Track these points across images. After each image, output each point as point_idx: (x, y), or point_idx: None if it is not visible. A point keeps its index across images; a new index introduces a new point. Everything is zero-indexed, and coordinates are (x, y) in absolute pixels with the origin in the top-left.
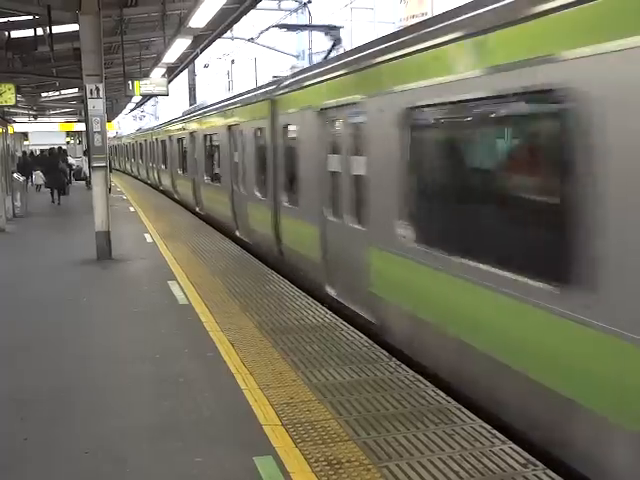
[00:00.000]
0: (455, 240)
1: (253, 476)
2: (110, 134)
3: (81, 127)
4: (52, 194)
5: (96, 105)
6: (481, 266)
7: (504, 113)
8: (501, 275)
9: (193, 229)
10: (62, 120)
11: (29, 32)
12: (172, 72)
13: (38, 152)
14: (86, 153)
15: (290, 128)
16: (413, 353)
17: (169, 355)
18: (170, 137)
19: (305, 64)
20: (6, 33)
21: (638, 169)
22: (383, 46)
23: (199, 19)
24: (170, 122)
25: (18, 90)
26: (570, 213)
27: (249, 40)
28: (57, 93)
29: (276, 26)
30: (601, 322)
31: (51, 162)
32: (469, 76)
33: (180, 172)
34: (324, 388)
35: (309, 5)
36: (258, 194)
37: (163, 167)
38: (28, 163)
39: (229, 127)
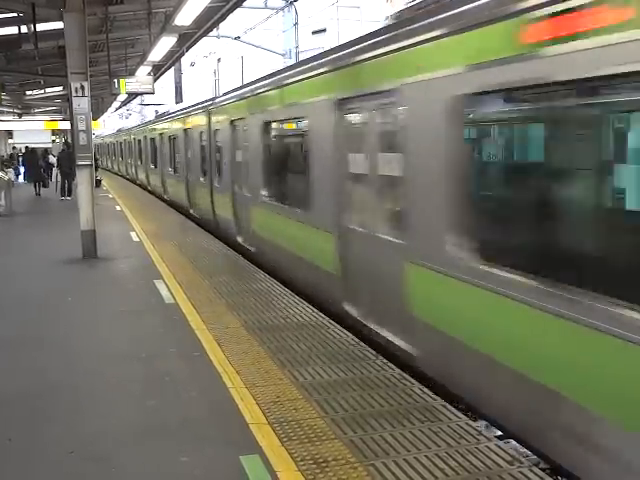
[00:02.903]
0: None
1: (239, 475)
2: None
3: (66, 125)
4: (35, 187)
5: (81, 103)
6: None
7: None
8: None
9: (179, 228)
10: (47, 118)
11: (13, 30)
12: (158, 70)
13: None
14: (62, 153)
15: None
16: None
17: (155, 354)
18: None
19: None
20: None
21: None
22: None
23: (185, 17)
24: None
25: (2, 88)
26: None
27: (235, 38)
28: (42, 91)
29: None
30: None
31: (32, 159)
32: None
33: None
34: (311, 387)
35: (295, 4)
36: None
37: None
38: None
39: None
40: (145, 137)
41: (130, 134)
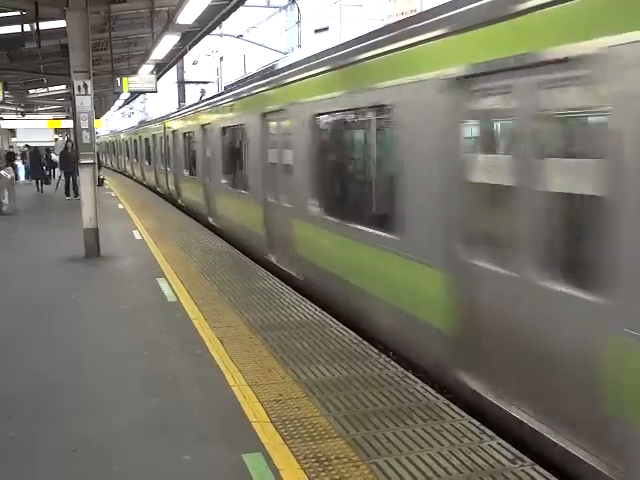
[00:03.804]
0: None
1: (242, 473)
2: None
3: (69, 124)
4: (37, 184)
5: (84, 102)
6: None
7: None
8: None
9: (182, 226)
10: (50, 117)
11: (16, 28)
12: (161, 69)
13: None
14: (64, 152)
15: None
16: None
17: (158, 352)
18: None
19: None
20: None
21: None
22: None
23: (187, 15)
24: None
25: (5, 86)
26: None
27: (238, 37)
28: (45, 90)
29: None
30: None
31: (35, 158)
32: None
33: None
34: (313, 385)
35: (298, 2)
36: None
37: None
38: None
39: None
40: (203, 128)
41: (165, 126)
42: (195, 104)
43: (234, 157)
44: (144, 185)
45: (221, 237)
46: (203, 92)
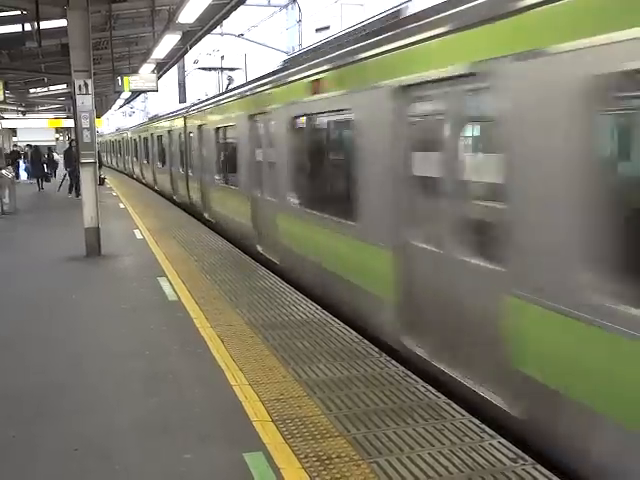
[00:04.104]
0: None
1: (243, 472)
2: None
3: (70, 123)
4: (38, 182)
5: (85, 101)
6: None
7: None
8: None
9: (183, 225)
10: (51, 116)
11: (17, 27)
12: (161, 68)
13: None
14: (67, 152)
15: None
16: None
17: (158, 351)
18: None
19: None
20: None
21: None
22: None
23: (188, 14)
24: None
25: (6, 86)
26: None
27: (239, 36)
28: (46, 89)
29: None
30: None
31: (35, 156)
32: None
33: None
34: (314, 384)
35: (299, 1)
36: None
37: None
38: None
39: None
40: (253, 120)
41: (187, 121)
42: (236, 88)
43: (317, 163)
44: (156, 191)
45: (281, 277)
46: (230, 79)
